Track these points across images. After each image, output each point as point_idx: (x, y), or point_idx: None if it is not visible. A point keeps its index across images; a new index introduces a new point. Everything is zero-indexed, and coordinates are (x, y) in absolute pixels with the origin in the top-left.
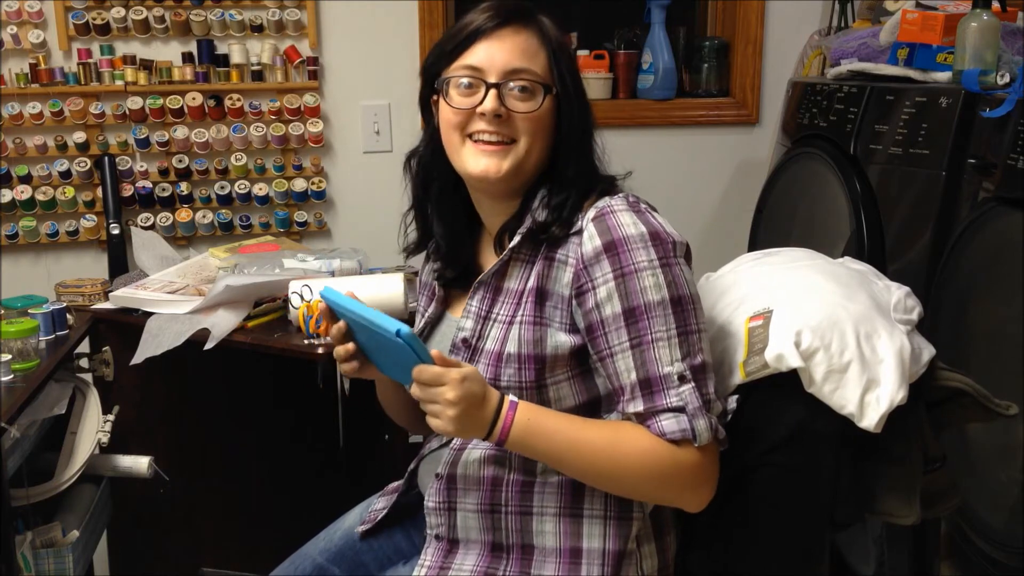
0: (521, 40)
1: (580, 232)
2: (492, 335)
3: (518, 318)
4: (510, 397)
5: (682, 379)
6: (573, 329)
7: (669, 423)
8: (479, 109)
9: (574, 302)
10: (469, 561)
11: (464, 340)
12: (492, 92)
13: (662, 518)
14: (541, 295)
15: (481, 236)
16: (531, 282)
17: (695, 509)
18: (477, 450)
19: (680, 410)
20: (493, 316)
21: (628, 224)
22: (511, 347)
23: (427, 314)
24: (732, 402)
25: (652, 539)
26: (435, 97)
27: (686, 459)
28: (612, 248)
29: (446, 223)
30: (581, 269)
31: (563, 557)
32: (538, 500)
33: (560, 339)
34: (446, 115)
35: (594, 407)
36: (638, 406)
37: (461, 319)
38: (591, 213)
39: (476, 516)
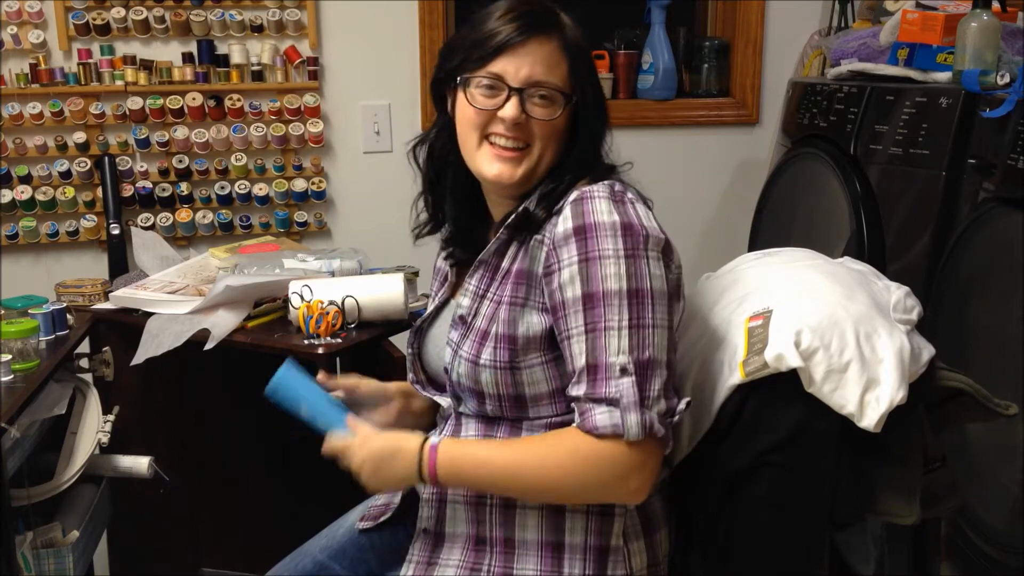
0: (545, 52)
1: (560, 212)
2: (483, 313)
3: (506, 298)
4: (431, 440)
5: (623, 371)
6: (546, 308)
7: (602, 417)
8: (500, 114)
9: (543, 281)
10: (455, 556)
11: (460, 317)
12: (514, 98)
13: (651, 514)
14: (527, 276)
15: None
16: (518, 263)
17: (628, 501)
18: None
19: (615, 403)
20: (489, 295)
21: (602, 211)
22: (494, 326)
23: (436, 299)
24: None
25: (641, 536)
26: (452, 88)
27: (610, 452)
28: (581, 232)
29: (460, 206)
30: (551, 249)
31: (545, 551)
32: None
33: (533, 319)
34: (466, 113)
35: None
36: (580, 390)
37: (460, 297)
38: (573, 195)
39: (464, 507)
